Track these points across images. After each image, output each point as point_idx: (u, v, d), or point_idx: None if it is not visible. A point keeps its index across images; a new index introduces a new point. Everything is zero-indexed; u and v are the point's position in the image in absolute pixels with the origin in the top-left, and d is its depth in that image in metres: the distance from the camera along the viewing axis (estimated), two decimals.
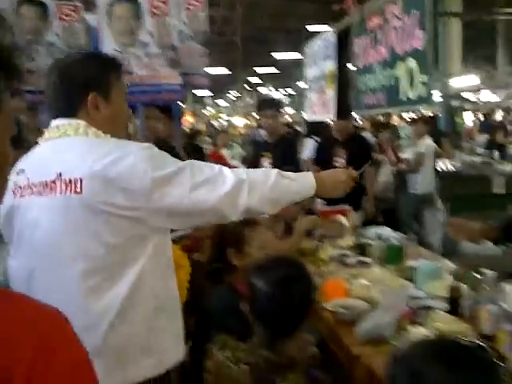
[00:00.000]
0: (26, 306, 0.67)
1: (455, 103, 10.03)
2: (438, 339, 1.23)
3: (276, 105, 4.53)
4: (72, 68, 1.54)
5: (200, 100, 27.96)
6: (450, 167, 6.50)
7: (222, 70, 20.99)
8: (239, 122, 24.16)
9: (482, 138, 11.37)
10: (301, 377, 1.45)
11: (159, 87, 3.49)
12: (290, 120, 16.96)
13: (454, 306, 2.23)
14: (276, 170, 1.60)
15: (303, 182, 1.66)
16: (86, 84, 1.51)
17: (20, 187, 1.47)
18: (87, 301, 1.38)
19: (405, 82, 2.34)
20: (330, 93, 3.53)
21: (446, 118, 10.18)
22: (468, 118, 15.58)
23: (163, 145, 2.98)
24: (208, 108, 30.81)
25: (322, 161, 4.78)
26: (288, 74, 24.31)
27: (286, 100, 29.45)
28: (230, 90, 30.18)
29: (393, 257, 3.04)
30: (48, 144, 1.50)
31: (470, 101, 15.62)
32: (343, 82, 3.26)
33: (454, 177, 6.26)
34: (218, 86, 26.21)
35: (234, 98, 31.51)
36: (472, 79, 12.44)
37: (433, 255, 3.48)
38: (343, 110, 3.21)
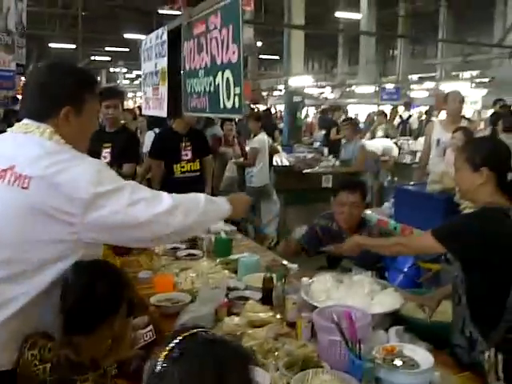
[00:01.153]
0: None
1: (296, 99, 10.71)
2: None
3: (118, 94, 4.49)
4: (52, 80, 1.68)
5: None
6: (285, 162, 6.99)
7: (68, 46, 19.91)
8: None
9: (321, 133, 12.30)
10: (102, 377, 1.53)
11: None
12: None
13: (267, 295, 2.47)
14: (204, 196, 1.80)
15: (223, 207, 1.89)
16: (62, 98, 1.65)
17: None
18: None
19: (223, 91, 2.53)
20: (163, 90, 3.61)
21: (288, 114, 10.92)
22: (311, 114, 16.73)
23: None
24: None
25: (168, 154, 4.80)
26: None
27: (138, 81, 28.74)
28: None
29: (220, 250, 3.23)
30: (11, 135, 1.66)
31: (312, 97, 16.78)
32: (176, 81, 3.35)
33: (287, 171, 6.74)
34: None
35: None
36: (313, 77, 13.37)
37: (261, 248, 3.74)
38: (176, 109, 3.32)
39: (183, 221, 1.67)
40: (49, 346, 1.50)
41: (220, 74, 2.52)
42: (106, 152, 4.24)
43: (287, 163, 6.91)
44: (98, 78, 30.54)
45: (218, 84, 2.55)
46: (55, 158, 1.55)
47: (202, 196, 1.80)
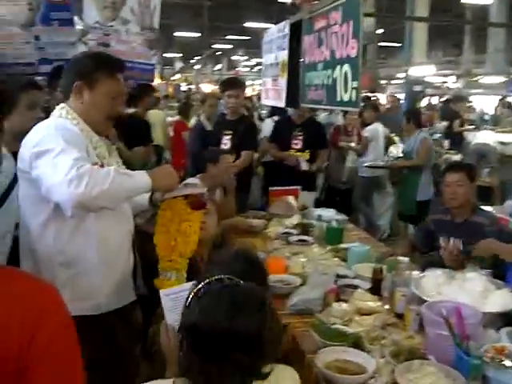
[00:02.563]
0: (17, 280, 0.83)
1: (416, 89, 10.36)
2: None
3: (239, 84, 4.72)
4: (75, 62, 2.07)
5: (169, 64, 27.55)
6: (401, 153, 6.80)
7: (192, 34, 20.80)
8: (208, 88, 23.92)
9: (442, 124, 11.74)
10: None
11: (133, 64, 3.58)
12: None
13: (376, 286, 2.52)
14: (114, 169, 1.81)
15: (139, 179, 1.89)
16: (77, 74, 1.97)
17: None
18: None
19: (341, 85, 2.58)
20: (283, 82, 3.73)
21: (408, 104, 10.59)
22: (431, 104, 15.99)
23: None
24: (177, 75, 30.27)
25: (280, 141, 5.01)
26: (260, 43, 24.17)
27: (257, 69, 29.32)
28: (200, 55, 29.74)
29: (331, 237, 3.31)
30: None
31: (434, 87, 16.06)
32: (295, 74, 3.44)
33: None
34: (189, 51, 25.88)
35: (202, 64, 31.04)
36: (435, 66, 12.78)
37: (371, 239, 3.75)
38: (293, 100, 3.42)
39: (87, 192, 1.68)
40: None
41: (339, 67, 2.58)
42: (227, 139, 4.48)
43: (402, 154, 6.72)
44: (220, 66, 31.59)
45: (336, 77, 2.62)
46: (33, 131, 1.86)
47: (111, 169, 1.80)
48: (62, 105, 1.98)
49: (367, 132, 6.28)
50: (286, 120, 5.16)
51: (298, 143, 4.88)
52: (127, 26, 3.55)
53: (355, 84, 2.42)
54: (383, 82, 19.26)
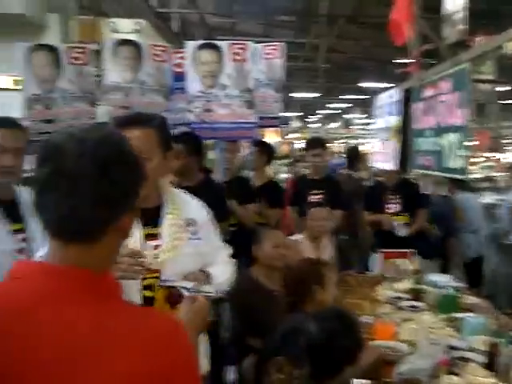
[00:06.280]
0: (154, 318, 0.97)
1: None
2: None
3: (322, 144, 4.61)
4: None
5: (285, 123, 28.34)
6: None
7: (309, 95, 21.39)
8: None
9: None
10: None
11: (235, 125, 3.87)
12: None
13: (491, 360, 2.39)
14: None
15: None
16: None
17: None
18: None
19: (448, 152, 2.60)
20: (393, 145, 3.75)
21: None
22: None
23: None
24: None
25: (373, 206, 4.79)
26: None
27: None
28: (318, 114, 30.41)
29: (445, 306, 3.18)
30: None
31: None
32: (406, 138, 3.46)
33: None
34: (309, 110, 26.62)
35: (321, 123, 31.64)
36: None
37: (491, 309, 3.51)
38: (404, 163, 3.42)
39: None
40: (295, 375, 1.72)
41: (445, 135, 2.61)
42: (313, 199, 4.47)
43: None
44: (338, 124, 31.99)
45: (444, 145, 2.64)
46: None
47: None
48: None
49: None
50: (376, 185, 5.01)
51: (390, 207, 4.63)
52: (225, 91, 3.84)
53: (462, 152, 2.43)
54: (505, 141, 18.30)
